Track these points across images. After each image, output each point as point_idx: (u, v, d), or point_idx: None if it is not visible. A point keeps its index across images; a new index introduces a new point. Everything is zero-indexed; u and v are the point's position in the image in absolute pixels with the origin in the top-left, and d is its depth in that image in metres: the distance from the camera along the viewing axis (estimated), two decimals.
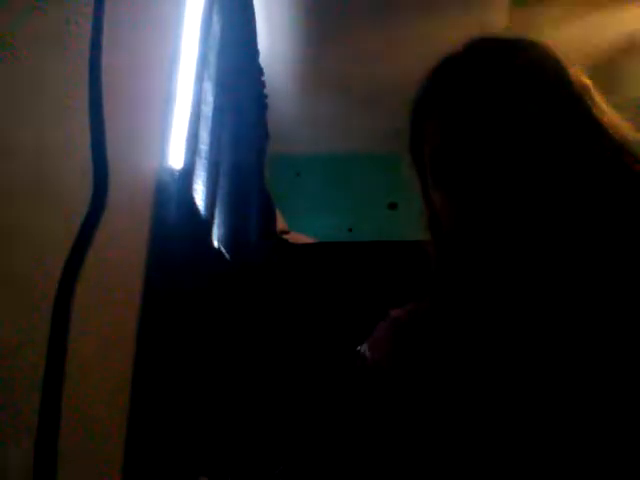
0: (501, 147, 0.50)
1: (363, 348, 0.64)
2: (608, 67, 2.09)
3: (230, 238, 1.20)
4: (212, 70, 1.11)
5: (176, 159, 1.02)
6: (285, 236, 2.02)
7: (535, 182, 0.49)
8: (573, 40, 2.00)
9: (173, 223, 0.98)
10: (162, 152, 0.96)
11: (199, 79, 1.07)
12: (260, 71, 1.56)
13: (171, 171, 1.00)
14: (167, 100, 0.99)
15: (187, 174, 0.97)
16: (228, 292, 1.13)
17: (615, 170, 0.51)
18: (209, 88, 1.08)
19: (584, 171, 0.50)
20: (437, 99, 0.56)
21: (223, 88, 1.11)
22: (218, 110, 1.07)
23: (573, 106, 0.52)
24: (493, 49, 0.56)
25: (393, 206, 2.81)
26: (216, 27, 1.13)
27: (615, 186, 0.51)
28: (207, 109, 1.06)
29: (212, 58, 1.11)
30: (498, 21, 1.96)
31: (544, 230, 0.49)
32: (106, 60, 0.60)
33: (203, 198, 1.02)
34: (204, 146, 1.03)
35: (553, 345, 0.49)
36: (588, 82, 0.55)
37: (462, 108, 0.53)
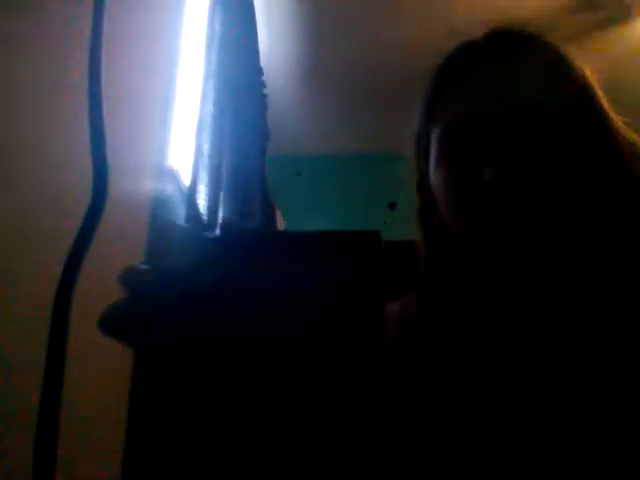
0: (513, 134, 0.49)
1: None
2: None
3: None
4: (212, 70, 1.11)
5: (176, 159, 1.02)
6: None
7: (544, 171, 0.48)
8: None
9: (174, 223, 0.98)
10: (162, 152, 0.96)
11: (199, 79, 1.07)
12: (260, 71, 1.56)
13: (171, 171, 1.00)
14: (167, 100, 0.99)
15: (188, 174, 0.97)
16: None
17: (627, 172, 0.51)
18: (210, 88, 1.08)
19: (596, 168, 0.50)
20: (452, 80, 0.56)
21: (223, 88, 1.11)
22: (218, 110, 1.07)
23: (587, 102, 0.52)
24: (513, 38, 0.56)
25: (393, 206, 2.81)
26: (217, 27, 1.13)
27: (627, 189, 0.51)
28: (208, 109, 1.05)
29: (212, 58, 1.11)
30: None
31: (550, 223, 0.48)
32: (106, 60, 0.59)
33: (205, 198, 1.02)
34: (205, 146, 1.03)
35: (553, 347, 0.49)
36: (596, 82, 0.55)
37: (479, 91, 0.53)
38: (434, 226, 0.59)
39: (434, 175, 0.56)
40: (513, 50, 0.54)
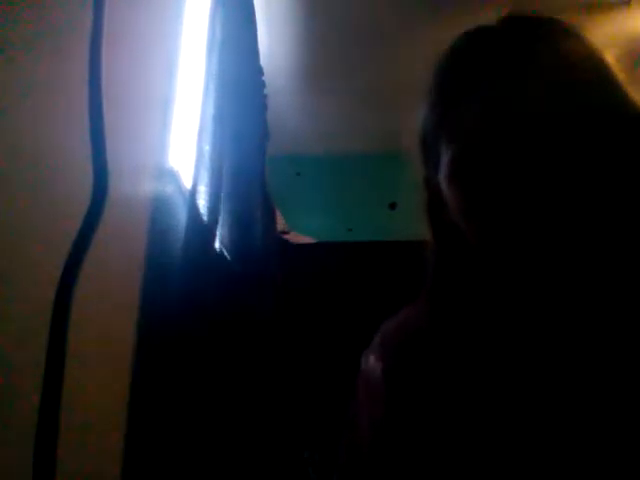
0: (540, 149, 0.43)
1: (363, 362, 0.60)
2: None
3: (231, 239, 1.20)
4: (213, 70, 1.11)
5: (177, 159, 1.02)
6: (285, 236, 2.02)
7: (573, 191, 0.42)
8: None
9: (174, 223, 0.98)
10: (162, 152, 0.96)
11: (200, 79, 1.07)
12: (260, 71, 1.56)
13: (172, 171, 1.00)
14: (167, 100, 0.99)
15: (188, 174, 0.97)
16: (228, 292, 1.13)
17: None
18: (210, 88, 1.08)
19: (629, 177, 0.44)
20: (466, 79, 0.48)
21: (223, 88, 1.11)
22: (219, 110, 1.07)
23: (620, 101, 0.46)
24: (534, 25, 0.50)
25: (393, 206, 2.81)
26: (217, 27, 1.13)
27: None
28: (208, 109, 1.05)
29: (213, 58, 1.11)
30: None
31: (574, 239, 0.43)
32: (106, 60, 0.59)
33: (205, 199, 1.02)
34: (205, 146, 1.03)
35: (566, 364, 0.46)
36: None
37: (496, 97, 0.46)
38: (443, 220, 0.54)
39: (446, 188, 0.50)
40: (535, 40, 0.47)
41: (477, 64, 0.49)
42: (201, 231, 0.98)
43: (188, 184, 1.00)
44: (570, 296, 0.47)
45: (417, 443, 0.49)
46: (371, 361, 0.58)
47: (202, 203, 1.01)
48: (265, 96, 1.59)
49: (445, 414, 0.48)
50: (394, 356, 0.55)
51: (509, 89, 0.46)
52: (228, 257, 1.19)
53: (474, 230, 0.49)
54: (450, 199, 0.50)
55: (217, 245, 1.13)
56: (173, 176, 1.00)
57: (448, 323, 0.52)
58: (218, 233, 1.11)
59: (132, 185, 0.78)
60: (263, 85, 1.58)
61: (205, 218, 1.00)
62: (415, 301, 0.58)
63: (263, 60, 1.59)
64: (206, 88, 1.05)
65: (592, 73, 0.47)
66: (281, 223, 1.95)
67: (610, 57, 0.49)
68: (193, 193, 0.97)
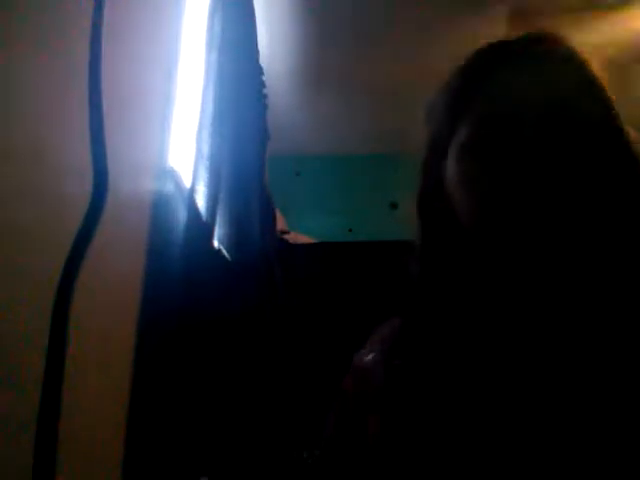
0: (544, 134, 0.49)
1: (355, 360, 0.62)
2: (617, 72, 2.08)
3: (230, 238, 1.20)
4: (212, 70, 1.11)
5: (176, 159, 1.02)
6: (285, 236, 2.02)
7: (568, 176, 0.48)
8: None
9: (173, 223, 0.98)
10: (162, 152, 0.96)
11: (199, 79, 1.07)
12: (260, 71, 1.56)
13: (171, 171, 1.00)
14: (167, 100, 0.99)
15: (188, 174, 0.97)
16: (228, 292, 1.13)
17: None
18: (209, 88, 1.08)
19: (612, 177, 0.49)
20: (482, 77, 0.55)
21: (223, 88, 1.11)
22: (218, 110, 1.07)
23: (609, 109, 0.52)
24: (542, 39, 0.56)
25: (394, 206, 2.81)
26: (217, 27, 1.13)
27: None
28: (208, 109, 1.05)
29: (212, 58, 1.11)
30: (497, 32, 1.94)
31: (566, 227, 0.48)
32: (106, 60, 0.59)
33: (204, 198, 1.02)
34: (205, 146, 1.03)
35: (559, 371, 0.47)
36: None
37: (509, 89, 0.52)
38: (437, 208, 0.58)
39: (454, 166, 0.55)
40: (544, 50, 0.54)
41: (492, 65, 0.55)
42: (199, 230, 0.98)
43: (188, 183, 1.00)
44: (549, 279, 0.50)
45: (416, 441, 0.50)
46: (365, 358, 0.60)
47: (201, 202, 1.01)
48: (265, 96, 1.59)
49: (443, 410, 0.49)
50: (389, 350, 0.57)
51: (514, 90, 0.52)
52: (227, 256, 1.19)
53: (473, 203, 0.53)
54: (457, 174, 0.55)
55: (215, 244, 1.13)
56: (173, 176, 1.00)
57: (437, 315, 0.55)
58: (216, 232, 1.11)
59: (132, 185, 0.78)
60: (263, 85, 1.58)
61: (203, 217, 1.00)
62: (406, 310, 0.60)
63: (263, 60, 1.59)
64: (206, 87, 1.06)
65: (584, 87, 0.53)
66: (281, 223, 1.95)
67: (604, 79, 0.55)
68: (192, 192, 0.97)
